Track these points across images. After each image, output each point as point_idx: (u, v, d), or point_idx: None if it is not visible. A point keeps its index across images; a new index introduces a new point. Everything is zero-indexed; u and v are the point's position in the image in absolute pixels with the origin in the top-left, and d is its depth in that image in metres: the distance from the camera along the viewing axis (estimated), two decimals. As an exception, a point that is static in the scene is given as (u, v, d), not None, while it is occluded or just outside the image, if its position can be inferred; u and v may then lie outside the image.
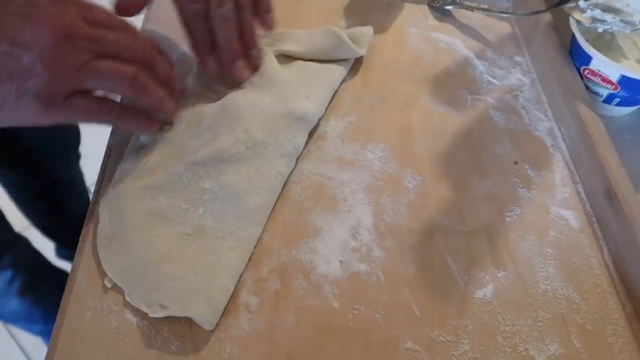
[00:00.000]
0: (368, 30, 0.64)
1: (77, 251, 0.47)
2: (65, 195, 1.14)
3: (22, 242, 1.02)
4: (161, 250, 0.44)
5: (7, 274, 0.94)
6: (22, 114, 0.40)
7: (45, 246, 1.19)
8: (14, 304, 1.00)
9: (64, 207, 1.15)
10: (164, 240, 0.45)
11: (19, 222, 1.02)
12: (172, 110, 0.49)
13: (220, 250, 0.45)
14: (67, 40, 0.39)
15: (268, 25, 0.56)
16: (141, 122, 0.47)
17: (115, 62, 0.42)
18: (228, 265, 0.44)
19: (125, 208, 0.46)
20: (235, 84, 0.54)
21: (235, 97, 0.52)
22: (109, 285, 0.44)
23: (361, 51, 0.62)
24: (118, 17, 0.44)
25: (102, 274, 0.45)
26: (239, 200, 0.47)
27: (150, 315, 0.41)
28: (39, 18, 0.38)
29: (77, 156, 1.12)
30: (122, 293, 0.43)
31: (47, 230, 1.25)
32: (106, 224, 0.46)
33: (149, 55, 0.45)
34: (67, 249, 1.33)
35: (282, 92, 0.54)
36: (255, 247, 0.47)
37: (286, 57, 0.60)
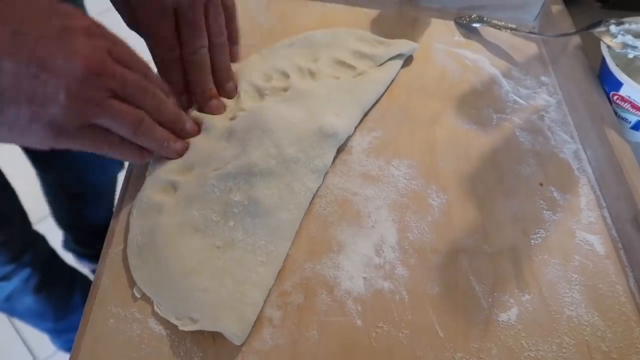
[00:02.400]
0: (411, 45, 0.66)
1: (101, 257, 0.47)
2: (97, 200, 1.16)
3: (41, 241, 1.03)
4: (192, 261, 0.44)
5: (26, 272, 0.95)
6: (29, 138, 0.40)
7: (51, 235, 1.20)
8: (28, 301, 1.01)
9: (91, 210, 1.17)
10: (195, 252, 0.45)
11: (33, 214, 1.03)
12: (177, 150, 0.50)
13: (250, 264, 0.45)
14: (95, 75, 0.39)
15: (233, 57, 0.60)
16: (135, 155, 0.48)
17: (126, 104, 0.43)
18: (258, 280, 0.44)
19: (157, 218, 0.46)
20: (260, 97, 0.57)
21: (265, 110, 0.52)
22: (138, 295, 0.44)
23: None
24: (136, 54, 0.45)
25: (129, 282, 0.45)
26: (269, 215, 0.47)
27: (180, 327, 0.41)
28: (73, 48, 0.38)
29: (120, 168, 1.15)
30: (150, 302, 0.43)
31: (66, 226, 1.27)
32: (137, 233, 0.46)
33: (158, 100, 0.46)
34: (76, 244, 1.34)
35: (313, 108, 0.54)
36: (280, 260, 0.47)
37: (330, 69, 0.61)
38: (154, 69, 0.51)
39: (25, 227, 0.96)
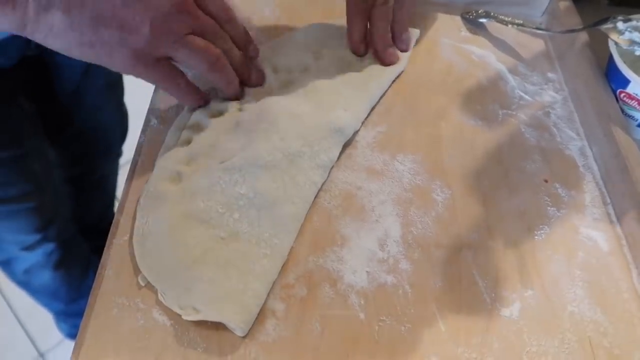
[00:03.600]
0: (414, 32, 0.67)
1: (106, 247, 0.47)
2: (90, 187, 1.15)
3: (67, 215, 1.03)
4: (196, 251, 0.44)
5: (50, 246, 0.95)
6: (114, 59, 0.45)
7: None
8: (46, 276, 1.01)
9: (85, 198, 1.16)
10: (199, 242, 0.45)
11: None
12: (237, 93, 0.55)
13: (254, 256, 0.45)
14: (178, 11, 0.45)
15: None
16: (195, 99, 0.53)
17: (205, 41, 0.48)
18: (262, 272, 0.44)
19: (162, 207, 0.46)
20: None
21: (272, 103, 0.52)
22: (142, 284, 0.44)
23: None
24: (227, 7, 0.51)
25: (133, 272, 0.45)
26: (274, 208, 0.47)
27: (184, 317, 0.41)
28: None
29: (119, 153, 1.15)
30: (154, 292, 0.44)
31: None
32: (143, 222, 0.46)
33: (229, 45, 0.51)
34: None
35: (320, 101, 0.54)
36: (284, 253, 0.47)
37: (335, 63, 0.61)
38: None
39: (55, 198, 0.95)
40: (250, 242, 0.46)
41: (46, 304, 1.17)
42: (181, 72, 0.50)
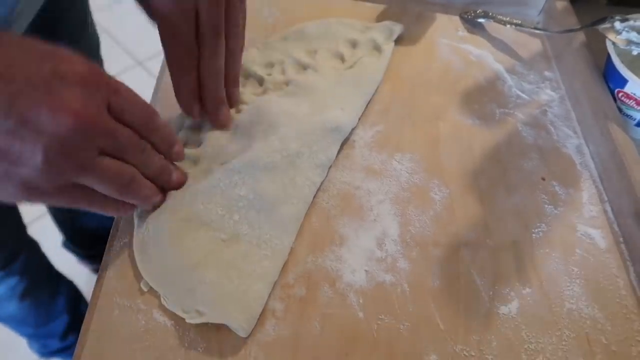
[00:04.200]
0: (398, 26, 0.68)
1: (106, 249, 0.47)
2: None
3: (33, 247, 1.00)
4: (197, 254, 0.44)
5: (14, 280, 0.92)
6: None
7: (48, 238, 1.20)
8: (11, 307, 0.98)
9: (88, 214, 1.15)
10: (200, 245, 0.45)
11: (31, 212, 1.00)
12: (157, 203, 0.47)
13: (255, 258, 0.45)
14: (83, 133, 0.35)
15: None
16: (117, 210, 0.43)
17: (114, 162, 0.39)
18: (263, 273, 0.44)
19: (162, 212, 0.46)
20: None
21: (270, 104, 0.52)
22: (145, 289, 0.44)
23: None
24: (139, 100, 0.41)
25: (133, 273, 0.45)
26: (273, 209, 0.47)
27: (187, 320, 0.42)
28: (62, 99, 0.34)
29: None
30: (155, 294, 0.44)
31: (65, 229, 1.26)
32: (143, 228, 0.46)
33: (147, 154, 0.43)
34: (76, 245, 1.33)
35: (317, 102, 0.54)
36: (283, 254, 0.47)
37: (328, 62, 0.61)
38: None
39: (19, 233, 0.93)
40: (251, 243, 0.46)
41: (15, 329, 1.12)
42: (88, 188, 0.39)
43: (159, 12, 0.46)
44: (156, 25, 0.48)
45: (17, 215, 0.90)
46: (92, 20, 0.88)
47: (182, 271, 0.44)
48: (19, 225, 0.92)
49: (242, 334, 0.42)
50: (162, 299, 0.43)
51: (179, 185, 0.48)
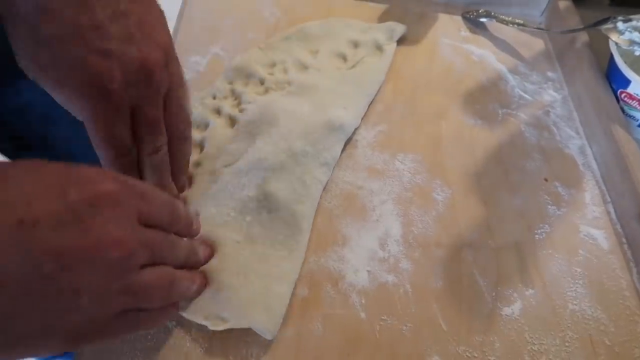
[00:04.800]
0: (400, 26, 0.67)
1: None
2: None
3: None
4: (214, 259, 0.44)
5: None
6: (40, 352, 0.31)
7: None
8: None
9: None
10: (216, 249, 0.45)
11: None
12: (199, 291, 0.43)
13: (272, 259, 0.45)
14: (124, 261, 0.32)
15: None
16: (165, 317, 0.40)
17: (155, 272, 0.35)
18: (282, 273, 0.44)
19: None
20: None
21: (273, 104, 0.52)
22: None
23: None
24: (162, 194, 0.38)
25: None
26: (285, 209, 0.47)
27: (210, 328, 0.41)
28: (98, 233, 0.30)
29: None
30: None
31: None
32: None
33: (179, 249, 0.40)
34: None
35: (319, 101, 0.54)
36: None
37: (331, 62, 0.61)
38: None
39: None
40: (265, 244, 0.46)
41: None
42: (136, 312, 0.35)
43: (87, 109, 0.37)
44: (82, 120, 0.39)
45: None
46: None
47: None
48: None
49: (269, 337, 0.41)
50: (180, 309, 0.41)
51: (207, 261, 0.44)
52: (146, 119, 0.40)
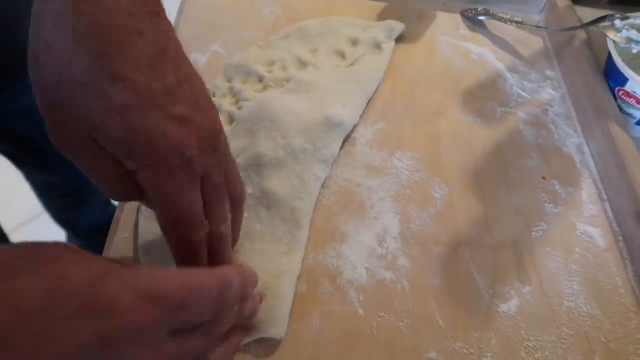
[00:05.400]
0: (399, 25, 0.67)
1: (106, 245, 0.47)
2: (89, 196, 1.15)
3: None
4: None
5: None
6: None
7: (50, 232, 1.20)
8: None
9: (84, 206, 1.16)
10: None
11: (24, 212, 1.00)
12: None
13: (272, 256, 0.45)
14: None
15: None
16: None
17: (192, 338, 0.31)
18: (283, 270, 0.44)
19: None
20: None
21: (271, 100, 0.52)
22: None
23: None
24: (215, 294, 0.32)
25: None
26: (283, 205, 0.47)
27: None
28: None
29: None
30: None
31: (63, 223, 1.26)
32: (146, 230, 0.46)
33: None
34: (77, 239, 1.34)
35: (318, 98, 0.55)
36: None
37: (330, 58, 0.61)
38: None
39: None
40: (264, 240, 0.46)
41: None
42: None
43: (169, 181, 0.33)
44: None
45: None
46: None
47: None
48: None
49: (277, 337, 0.41)
50: None
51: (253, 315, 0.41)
52: (214, 187, 0.36)
